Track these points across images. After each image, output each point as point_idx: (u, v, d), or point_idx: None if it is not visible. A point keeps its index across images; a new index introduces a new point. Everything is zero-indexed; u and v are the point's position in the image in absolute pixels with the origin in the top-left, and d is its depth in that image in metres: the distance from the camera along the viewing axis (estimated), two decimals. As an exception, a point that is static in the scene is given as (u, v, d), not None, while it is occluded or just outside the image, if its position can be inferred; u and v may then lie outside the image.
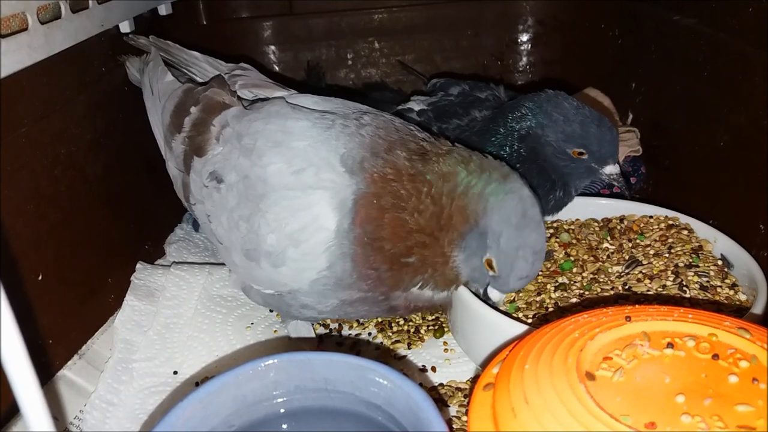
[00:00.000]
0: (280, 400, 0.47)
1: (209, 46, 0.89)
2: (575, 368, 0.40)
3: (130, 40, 0.81)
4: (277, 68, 1.20)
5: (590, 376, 0.40)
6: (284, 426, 0.47)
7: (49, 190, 0.64)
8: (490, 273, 0.58)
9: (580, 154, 0.69)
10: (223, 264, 0.76)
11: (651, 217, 0.74)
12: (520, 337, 0.47)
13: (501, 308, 0.64)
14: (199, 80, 0.75)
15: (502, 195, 0.56)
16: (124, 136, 0.79)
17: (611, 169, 0.70)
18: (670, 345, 0.42)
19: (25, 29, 0.61)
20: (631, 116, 0.98)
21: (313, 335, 0.69)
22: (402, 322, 0.71)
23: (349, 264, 0.56)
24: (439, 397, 0.60)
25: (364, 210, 0.55)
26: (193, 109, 0.66)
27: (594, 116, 0.69)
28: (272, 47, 1.19)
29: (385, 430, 0.45)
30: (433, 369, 0.65)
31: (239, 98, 0.66)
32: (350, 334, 0.71)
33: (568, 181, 0.71)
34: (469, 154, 0.60)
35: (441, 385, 0.62)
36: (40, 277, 0.61)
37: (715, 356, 0.41)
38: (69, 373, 0.62)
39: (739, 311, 0.58)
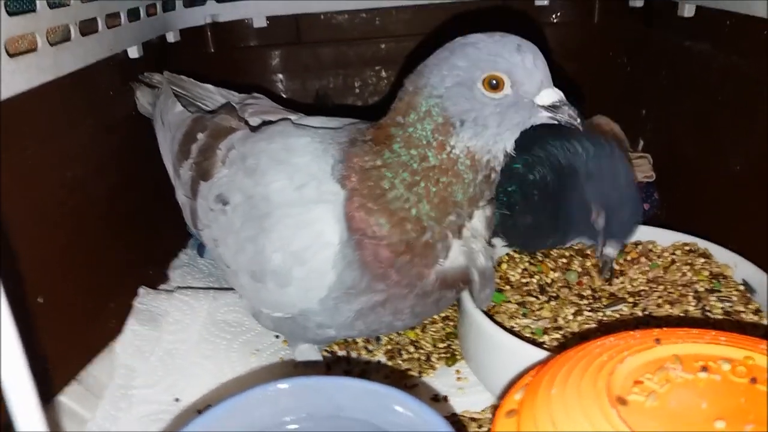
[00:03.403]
0: (291, 427, 0.45)
1: (217, 73, 0.89)
2: (605, 392, 0.38)
3: (145, 78, 0.81)
4: (285, 96, 1.20)
5: (622, 401, 0.38)
6: (294, 455, 0.45)
7: (53, 212, 0.63)
8: (500, 95, 0.50)
9: (598, 216, 0.66)
10: (228, 289, 0.75)
11: (668, 242, 0.72)
12: (541, 363, 0.45)
13: (526, 333, 0.62)
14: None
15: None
16: (130, 160, 0.79)
17: (610, 251, 0.67)
18: (704, 368, 0.40)
19: (34, 50, 0.61)
20: (641, 143, 0.97)
21: (321, 359, 0.67)
22: (412, 349, 0.69)
23: (357, 270, 0.54)
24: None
25: (356, 214, 0.54)
26: (200, 136, 0.66)
27: (632, 194, 0.66)
28: (280, 75, 1.20)
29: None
30: (446, 399, 0.62)
31: (246, 123, 0.66)
32: (358, 362, 0.69)
33: (569, 232, 0.69)
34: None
35: (454, 415, 0.60)
36: (40, 300, 0.59)
37: (753, 380, 0.38)
38: (66, 399, 0.59)
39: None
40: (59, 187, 0.64)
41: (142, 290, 0.74)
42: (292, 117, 0.67)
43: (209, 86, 0.79)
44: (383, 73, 1.19)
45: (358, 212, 0.53)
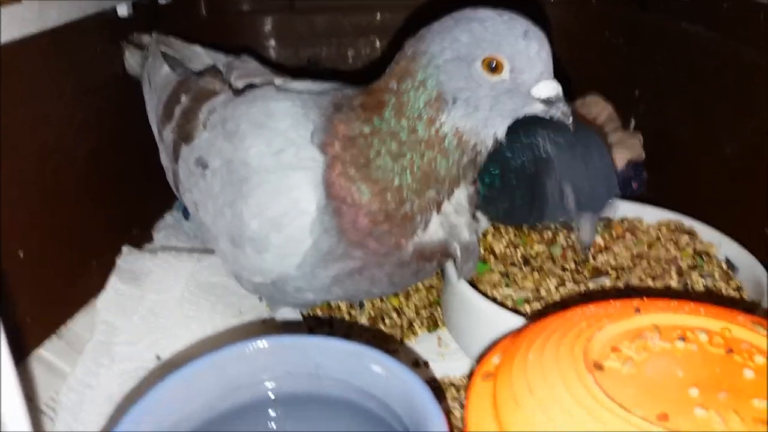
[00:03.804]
0: (268, 384, 0.45)
1: (209, 38, 0.87)
2: (582, 358, 0.38)
3: (134, 39, 0.80)
4: (277, 64, 1.18)
5: (598, 367, 0.38)
6: (272, 412, 0.45)
7: (35, 167, 0.62)
8: (496, 78, 0.49)
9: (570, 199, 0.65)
10: (212, 251, 0.74)
11: (654, 219, 0.72)
12: (520, 330, 0.45)
13: (508, 302, 0.62)
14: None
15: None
16: (115, 119, 0.77)
17: (585, 233, 0.66)
18: (682, 338, 0.40)
19: (18, 0, 0.59)
20: (633, 122, 0.97)
21: (301, 320, 0.66)
22: (395, 316, 0.69)
23: (335, 237, 0.54)
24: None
25: (337, 181, 0.53)
26: (183, 98, 0.65)
27: (609, 180, 0.65)
28: (272, 42, 1.18)
29: (378, 419, 0.42)
30: (426, 364, 0.63)
31: (230, 86, 0.65)
32: (341, 326, 0.69)
33: (543, 215, 0.68)
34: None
35: (434, 380, 0.60)
36: (21, 254, 0.58)
37: (730, 350, 0.39)
38: (46, 353, 0.59)
39: (749, 311, 0.56)
40: (42, 143, 0.63)
41: (126, 249, 0.73)
42: (278, 80, 0.66)
43: (198, 48, 0.77)
44: (377, 44, 1.17)
45: (339, 179, 0.53)
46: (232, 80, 0.66)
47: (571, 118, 0.51)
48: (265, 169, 0.55)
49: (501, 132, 0.53)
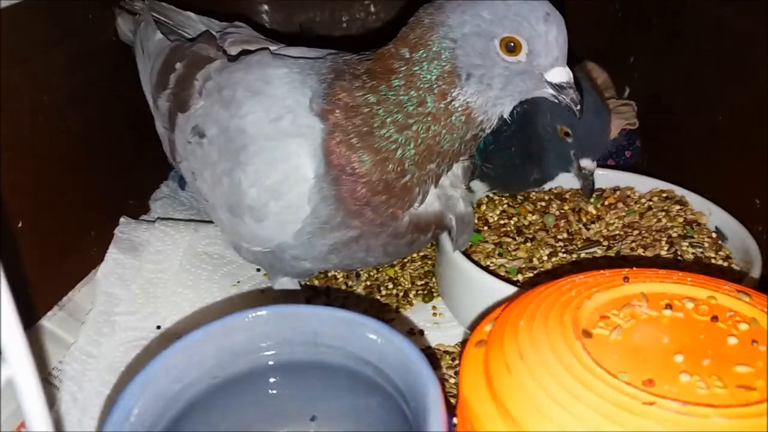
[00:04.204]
0: (267, 352, 0.46)
1: (201, 2, 0.86)
2: (572, 326, 0.39)
3: (126, 4, 0.79)
4: (269, 28, 1.17)
5: (587, 334, 0.39)
6: (271, 379, 0.46)
7: (29, 137, 0.62)
8: (513, 59, 0.49)
9: (566, 134, 0.67)
10: (209, 222, 0.75)
11: (646, 188, 0.73)
12: (512, 299, 0.46)
13: (501, 271, 0.63)
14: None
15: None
16: (109, 88, 0.77)
17: (587, 164, 0.68)
18: (669, 306, 0.41)
19: (7, -33, 0.58)
20: (627, 90, 0.97)
21: (299, 289, 0.68)
22: (391, 286, 0.70)
23: (332, 205, 0.54)
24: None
25: (337, 149, 0.53)
26: (178, 65, 0.65)
27: (597, 106, 0.66)
28: (265, 6, 1.16)
29: (374, 385, 0.44)
30: (421, 333, 0.64)
31: (225, 52, 0.65)
32: (338, 296, 0.70)
33: (543, 159, 0.70)
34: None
35: (429, 348, 0.62)
36: (20, 224, 0.59)
37: (714, 318, 0.40)
38: (48, 324, 0.60)
39: (737, 280, 0.57)
40: (34, 111, 0.62)
41: (124, 219, 0.74)
42: (273, 47, 0.66)
43: (191, 14, 0.77)
44: (372, 8, 1.15)
45: (339, 147, 0.53)
46: (226, 46, 0.66)
47: (579, 106, 0.51)
48: (263, 137, 0.55)
49: (507, 111, 0.53)
